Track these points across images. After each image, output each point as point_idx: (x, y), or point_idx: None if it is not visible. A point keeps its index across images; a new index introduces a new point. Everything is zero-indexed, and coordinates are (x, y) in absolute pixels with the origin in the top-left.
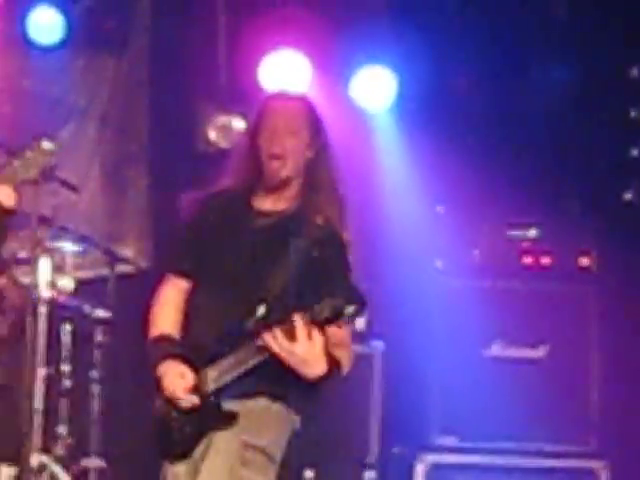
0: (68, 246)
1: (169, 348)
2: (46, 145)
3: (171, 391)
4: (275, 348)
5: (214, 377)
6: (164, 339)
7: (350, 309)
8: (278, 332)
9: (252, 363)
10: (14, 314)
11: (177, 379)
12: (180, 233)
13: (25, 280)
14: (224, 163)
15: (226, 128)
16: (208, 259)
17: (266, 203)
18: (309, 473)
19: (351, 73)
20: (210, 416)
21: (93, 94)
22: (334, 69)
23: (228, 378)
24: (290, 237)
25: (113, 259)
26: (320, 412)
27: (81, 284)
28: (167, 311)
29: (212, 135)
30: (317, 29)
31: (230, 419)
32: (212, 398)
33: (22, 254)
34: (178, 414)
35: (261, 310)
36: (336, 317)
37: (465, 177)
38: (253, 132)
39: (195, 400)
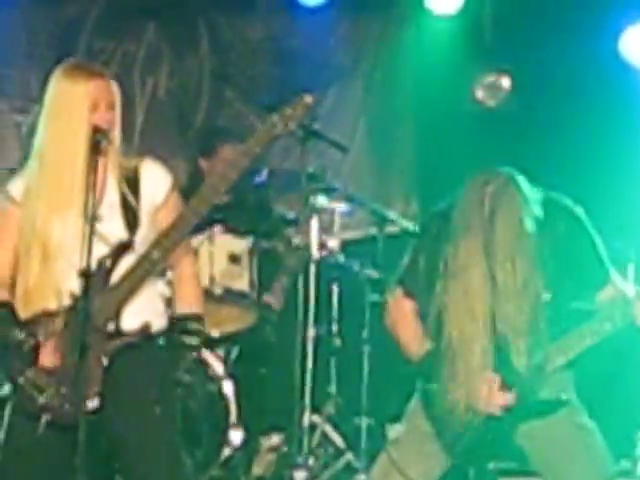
0: (336, 206)
1: None
2: (306, 99)
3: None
4: None
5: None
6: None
7: None
8: None
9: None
10: (288, 278)
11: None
12: None
13: (296, 241)
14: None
15: (494, 87)
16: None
17: None
18: None
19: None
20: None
21: (359, 54)
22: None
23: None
24: None
25: (381, 219)
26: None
27: (348, 244)
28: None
29: (479, 94)
30: None
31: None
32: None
33: (290, 215)
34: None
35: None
36: None
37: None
38: None
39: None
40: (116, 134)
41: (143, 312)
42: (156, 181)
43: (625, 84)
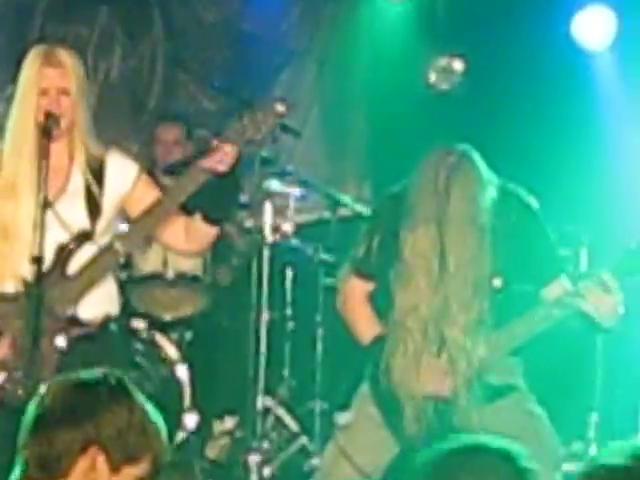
0: (290, 190)
1: None
2: (279, 108)
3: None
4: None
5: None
6: None
7: None
8: None
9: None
10: (239, 260)
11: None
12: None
13: (248, 224)
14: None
15: (446, 70)
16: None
17: None
18: None
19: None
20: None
21: (312, 38)
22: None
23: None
24: None
25: (334, 203)
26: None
27: (302, 227)
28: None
29: (432, 77)
30: None
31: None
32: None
33: (244, 199)
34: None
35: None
36: None
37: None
38: None
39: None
40: (79, 120)
41: (101, 301)
42: (121, 171)
43: (577, 67)
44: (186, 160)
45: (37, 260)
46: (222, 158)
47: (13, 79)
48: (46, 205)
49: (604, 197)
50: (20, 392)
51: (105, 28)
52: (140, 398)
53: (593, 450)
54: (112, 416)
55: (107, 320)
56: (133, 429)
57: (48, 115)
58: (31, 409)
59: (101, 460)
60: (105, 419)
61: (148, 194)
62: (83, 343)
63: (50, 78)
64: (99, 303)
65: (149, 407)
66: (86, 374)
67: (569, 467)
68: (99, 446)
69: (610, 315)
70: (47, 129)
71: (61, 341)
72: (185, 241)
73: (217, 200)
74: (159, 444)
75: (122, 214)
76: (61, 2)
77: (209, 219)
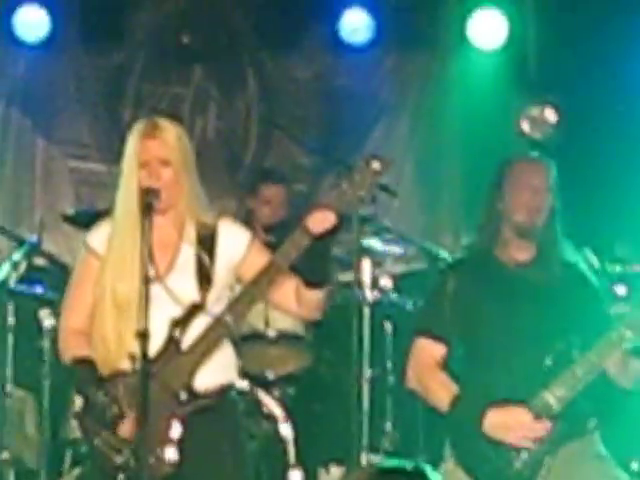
0: (388, 247)
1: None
2: (375, 165)
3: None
4: None
5: (557, 397)
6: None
7: None
8: None
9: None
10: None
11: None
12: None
13: (346, 279)
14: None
15: (539, 119)
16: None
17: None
18: None
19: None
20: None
21: (404, 90)
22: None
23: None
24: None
25: (431, 257)
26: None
27: (400, 278)
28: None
29: (525, 126)
30: None
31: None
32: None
33: (342, 254)
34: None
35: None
36: None
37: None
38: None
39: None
40: (185, 191)
41: (217, 371)
42: (234, 240)
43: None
44: (285, 219)
45: (142, 335)
46: (323, 223)
47: (109, 140)
48: (148, 281)
49: None
50: (146, 470)
51: (200, 87)
52: None
53: None
54: None
55: (225, 389)
56: None
57: (147, 190)
58: None
59: None
60: None
61: (260, 260)
62: (201, 415)
63: (149, 149)
64: (214, 373)
65: None
66: (386, 462)
67: None
68: None
69: None
70: (146, 204)
71: (172, 453)
72: (297, 305)
73: (315, 263)
74: None
75: (235, 281)
76: (156, 62)
77: (310, 283)
